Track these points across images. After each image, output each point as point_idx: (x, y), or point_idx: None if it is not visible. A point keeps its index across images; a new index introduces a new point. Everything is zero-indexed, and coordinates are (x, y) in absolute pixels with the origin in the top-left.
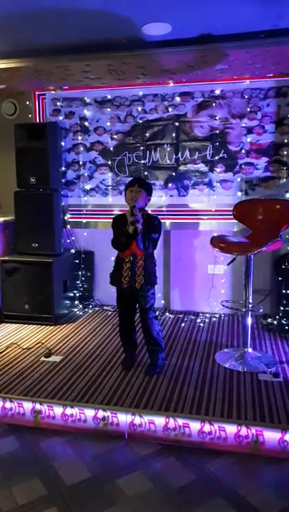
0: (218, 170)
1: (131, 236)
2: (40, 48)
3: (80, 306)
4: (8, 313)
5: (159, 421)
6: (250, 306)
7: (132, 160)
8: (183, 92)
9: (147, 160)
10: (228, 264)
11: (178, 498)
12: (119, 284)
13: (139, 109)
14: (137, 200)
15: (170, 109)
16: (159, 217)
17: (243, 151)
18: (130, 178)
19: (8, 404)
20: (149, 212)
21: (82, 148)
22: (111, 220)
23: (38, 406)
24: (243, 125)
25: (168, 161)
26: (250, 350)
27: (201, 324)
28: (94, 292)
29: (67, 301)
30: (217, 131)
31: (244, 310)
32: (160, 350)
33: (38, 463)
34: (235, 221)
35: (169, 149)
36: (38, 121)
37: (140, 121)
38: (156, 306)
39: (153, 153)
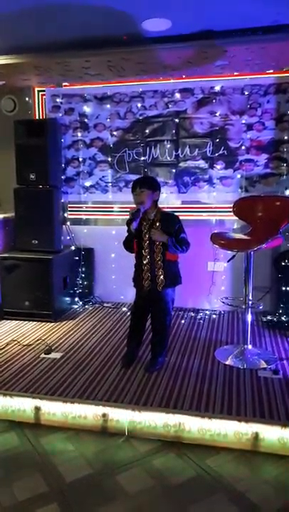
0: (218, 167)
1: (134, 235)
2: (39, 44)
3: (80, 302)
4: (8, 310)
5: (159, 417)
6: (250, 303)
7: (131, 156)
8: (183, 89)
9: (147, 156)
10: (228, 261)
11: (178, 495)
12: (141, 288)
13: (139, 105)
14: (144, 202)
15: (170, 106)
16: (174, 214)
17: (243, 147)
18: (130, 175)
19: (8, 401)
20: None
21: (81, 145)
22: (111, 217)
23: (38, 402)
24: (243, 122)
25: (168, 158)
26: (250, 346)
27: (201, 321)
28: (94, 289)
29: (67, 298)
30: (217, 128)
31: (244, 307)
32: (163, 347)
33: (38, 459)
34: (235, 218)
35: (168, 146)
36: (37, 117)
37: (140, 118)
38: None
39: (153, 149)
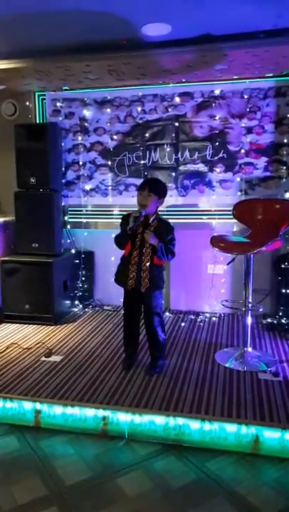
0: (217, 170)
1: (129, 236)
2: (40, 49)
3: (80, 306)
4: (9, 313)
5: (160, 420)
6: (250, 305)
7: (131, 160)
8: (182, 93)
9: (147, 160)
10: (228, 264)
11: (178, 498)
12: (124, 284)
13: (139, 109)
14: (147, 206)
15: (170, 110)
16: (170, 223)
17: (243, 151)
18: (130, 179)
19: (8, 404)
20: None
21: (82, 149)
22: (111, 221)
23: (38, 406)
24: (243, 125)
25: (168, 161)
26: (250, 349)
27: (201, 324)
28: (94, 292)
29: (68, 301)
30: (217, 131)
31: (244, 309)
32: (161, 349)
33: (38, 462)
34: (235, 221)
35: (168, 149)
36: (37, 121)
37: (140, 122)
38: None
39: (153, 153)
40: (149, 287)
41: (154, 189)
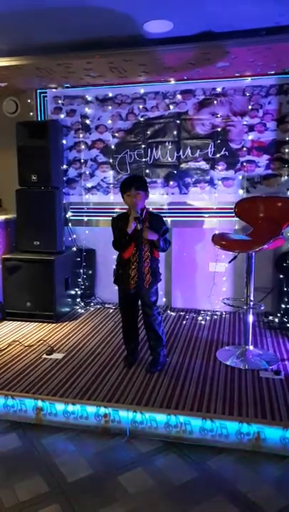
0: (219, 168)
1: (131, 237)
2: (41, 46)
3: (82, 303)
4: (10, 310)
5: (161, 418)
6: (252, 303)
7: (133, 158)
8: (184, 90)
9: (148, 158)
10: (230, 262)
11: (179, 495)
12: (127, 285)
13: (141, 107)
14: (139, 204)
15: (171, 107)
16: (160, 214)
17: (245, 148)
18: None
19: (10, 401)
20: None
21: (83, 146)
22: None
23: (40, 403)
24: (245, 123)
25: (169, 159)
26: (251, 347)
27: (203, 322)
28: (95, 290)
29: (69, 299)
30: (218, 129)
31: (245, 308)
32: (161, 347)
33: (39, 460)
34: (237, 219)
35: (170, 147)
36: (39, 119)
37: (141, 119)
38: (157, 303)
39: (154, 151)
40: (151, 282)
41: (142, 186)
